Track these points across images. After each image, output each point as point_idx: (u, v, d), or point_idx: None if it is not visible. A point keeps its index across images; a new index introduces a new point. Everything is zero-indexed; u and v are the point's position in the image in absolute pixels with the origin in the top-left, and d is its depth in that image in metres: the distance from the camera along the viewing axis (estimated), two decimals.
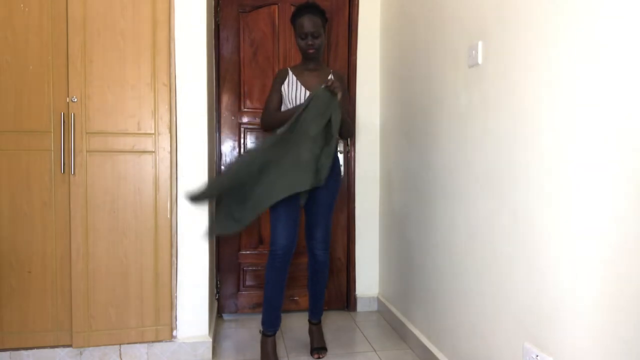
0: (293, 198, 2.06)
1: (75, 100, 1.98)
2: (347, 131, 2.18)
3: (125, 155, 2.04)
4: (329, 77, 2.13)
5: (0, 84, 1.92)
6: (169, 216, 2.08)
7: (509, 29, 1.49)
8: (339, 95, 1.95)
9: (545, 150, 1.31)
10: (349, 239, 2.90)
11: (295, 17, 2.07)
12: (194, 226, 2.12)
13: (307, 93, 2.07)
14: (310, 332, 2.30)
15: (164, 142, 2.07)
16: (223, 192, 1.97)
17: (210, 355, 2.13)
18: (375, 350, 2.29)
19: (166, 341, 2.10)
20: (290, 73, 2.14)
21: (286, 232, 2.05)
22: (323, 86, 1.94)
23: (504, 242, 1.53)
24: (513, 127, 1.47)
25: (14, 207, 1.95)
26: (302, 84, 2.10)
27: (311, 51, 2.06)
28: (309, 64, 2.14)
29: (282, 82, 2.13)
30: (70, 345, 2.02)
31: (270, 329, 2.12)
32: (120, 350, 2.06)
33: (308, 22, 2.02)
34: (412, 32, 2.34)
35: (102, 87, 2.00)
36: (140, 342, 2.07)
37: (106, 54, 1.99)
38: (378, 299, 2.88)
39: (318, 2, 2.74)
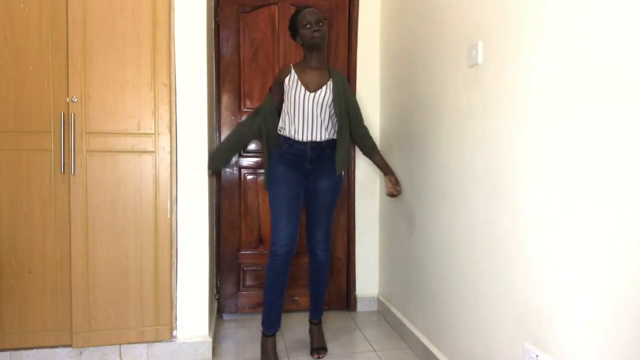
0: (296, 195, 2.07)
1: (75, 100, 1.98)
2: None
3: (125, 155, 2.04)
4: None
5: (0, 84, 1.92)
6: (169, 216, 2.08)
7: (509, 29, 1.49)
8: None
9: (545, 149, 1.31)
10: (349, 239, 2.90)
11: (295, 18, 2.10)
12: (194, 226, 2.12)
13: (307, 94, 2.06)
14: (311, 332, 2.30)
15: (164, 142, 2.07)
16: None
17: (210, 355, 2.13)
18: (375, 350, 2.29)
19: (166, 341, 2.10)
20: (293, 71, 2.13)
21: (288, 232, 2.04)
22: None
23: (504, 242, 1.53)
24: (513, 127, 1.47)
25: (14, 207, 1.95)
26: (303, 84, 2.09)
27: (317, 35, 2.03)
28: (312, 60, 2.12)
29: (283, 81, 2.13)
30: (70, 345, 2.02)
31: (270, 329, 2.12)
32: (120, 350, 2.06)
33: (309, 13, 2.06)
34: (412, 32, 2.34)
35: (102, 87, 2.00)
36: (140, 342, 2.07)
37: (106, 54, 2.00)
38: (378, 299, 2.88)
39: (319, 0, 2.76)
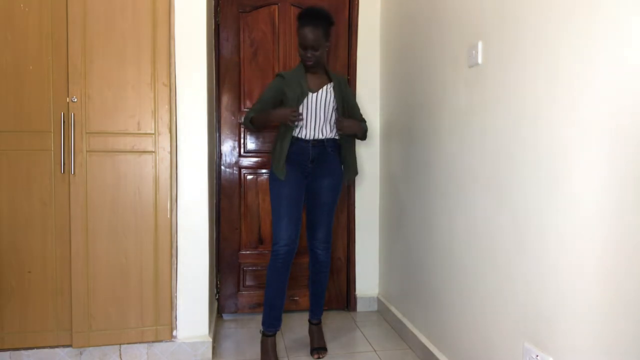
0: (297, 195, 2.07)
1: (75, 100, 1.98)
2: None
3: (125, 155, 2.04)
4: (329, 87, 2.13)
5: (0, 84, 1.92)
6: (169, 216, 2.08)
7: (509, 29, 1.49)
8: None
9: (545, 150, 1.31)
10: (349, 239, 2.90)
11: (299, 22, 2.04)
12: (194, 226, 2.12)
13: (310, 94, 2.10)
14: (311, 332, 2.30)
15: (164, 142, 2.07)
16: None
17: (210, 355, 2.13)
18: (375, 350, 2.29)
19: (166, 341, 2.10)
20: None
21: (289, 231, 2.05)
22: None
23: (504, 242, 1.53)
24: (513, 127, 1.47)
25: (14, 207, 1.95)
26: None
27: (309, 63, 2.07)
28: (309, 68, 2.15)
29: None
30: (70, 345, 2.02)
31: (270, 329, 2.12)
32: (120, 350, 2.06)
33: (309, 34, 2.00)
34: (412, 32, 2.34)
35: (102, 87, 2.00)
36: (140, 342, 2.07)
37: (106, 54, 1.99)
38: (378, 299, 2.88)
39: (317, 3, 2.75)
